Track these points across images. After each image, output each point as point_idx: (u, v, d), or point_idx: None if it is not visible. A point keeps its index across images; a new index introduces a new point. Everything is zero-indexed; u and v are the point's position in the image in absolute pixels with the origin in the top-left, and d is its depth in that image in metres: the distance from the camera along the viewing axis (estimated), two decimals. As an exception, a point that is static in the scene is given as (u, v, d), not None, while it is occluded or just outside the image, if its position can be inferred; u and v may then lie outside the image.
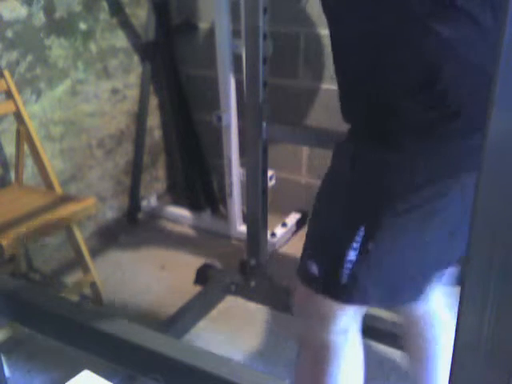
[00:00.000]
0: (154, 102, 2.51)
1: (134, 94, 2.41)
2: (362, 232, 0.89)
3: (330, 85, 2.23)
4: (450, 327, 1.13)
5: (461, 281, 0.47)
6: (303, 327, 1.06)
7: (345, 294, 0.94)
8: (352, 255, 0.90)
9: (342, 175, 0.98)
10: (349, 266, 0.90)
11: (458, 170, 0.86)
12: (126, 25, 2.29)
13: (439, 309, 1.18)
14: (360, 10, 0.87)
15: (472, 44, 0.82)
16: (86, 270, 1.87)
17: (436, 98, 0.86)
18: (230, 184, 2.22)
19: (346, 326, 1.01)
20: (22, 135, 1.81)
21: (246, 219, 1.90)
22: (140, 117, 2.43)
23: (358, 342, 1.06)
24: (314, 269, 0.96)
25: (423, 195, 0.88)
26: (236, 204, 2.26)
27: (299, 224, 2.39)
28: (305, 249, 1.01)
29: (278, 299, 1.88)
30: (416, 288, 0.97)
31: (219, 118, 2.09)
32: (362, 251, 0.90)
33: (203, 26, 2.39)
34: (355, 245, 0.90)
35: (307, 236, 1.02)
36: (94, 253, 2.13)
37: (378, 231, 0.89)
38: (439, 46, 0.83)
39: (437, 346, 1.18)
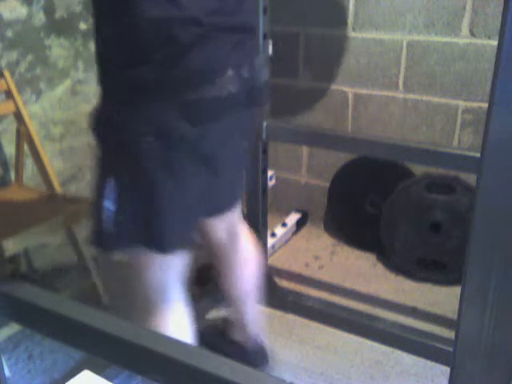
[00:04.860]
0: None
1: (133, 94, 2.41)
2: (111, 184, 1.02)
3: (330, 85, 2.23)
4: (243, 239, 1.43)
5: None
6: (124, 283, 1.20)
7: (109, 241, 1.06)
8: (109, 205, 1.02)
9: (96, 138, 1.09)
10: (108, 215, 1.03)
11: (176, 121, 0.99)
12: (126, 25, 2.29)
13: (231, 228, 1.39)
14: None
15: None
16: (85, 270, 1.87)
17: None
18: (230, 184, 2.21)
19: (158, 281, 1.14)
20: (22, 135, 1.81)
21: (246, 219, 1.90)
22: (140, 117, 2.43)
23: (179, 295, 1.19)
24: (91, 227, 1.09)
25: (153, 145, 0.99)
26: (236, 204, 2.26)
27: (299, 224, 2.39)
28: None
29: (277, 299, 1.88)
30: (181, 232, 1.12)
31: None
32: (116, 201, 1.02)
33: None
34: (109, 195, 1.02)
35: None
36: (94, 253, 2.13)
37: (127, 183, 1.02)
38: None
39: (237, 254, 1.42)
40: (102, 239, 1.08)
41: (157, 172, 1.03)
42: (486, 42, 1.89)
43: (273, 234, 2.24)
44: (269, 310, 1.87)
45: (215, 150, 1.10)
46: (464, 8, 1.89)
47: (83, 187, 2.26)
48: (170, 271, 1.16)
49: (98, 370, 1.10)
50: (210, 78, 1.00)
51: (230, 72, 1.01)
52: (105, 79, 1.05)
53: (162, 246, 1.11)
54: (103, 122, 1.04)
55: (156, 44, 0.96)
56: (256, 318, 1.55)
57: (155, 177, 1.03)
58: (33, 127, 1.82)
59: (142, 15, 0.94)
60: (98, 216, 1.05)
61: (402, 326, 1.75)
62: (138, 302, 1.18)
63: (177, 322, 1.19)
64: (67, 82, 2.09)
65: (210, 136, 1.06)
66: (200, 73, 0.99)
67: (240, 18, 1.05)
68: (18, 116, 1.80)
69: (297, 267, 2.13)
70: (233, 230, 1.40)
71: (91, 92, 2.20)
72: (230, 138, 1.15)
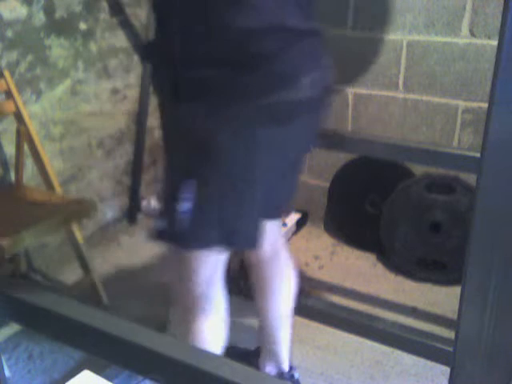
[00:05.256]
0: (154, 101, 2.51)
1: (133, 93, 2.41)
2: (191, 182, 1.01)
3: (329, 85, 2.23)
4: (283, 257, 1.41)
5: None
6: (172, 282, 1.20)
7: (184, 239, 1.06)
8: (185, 204, 1.01)
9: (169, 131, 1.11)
10: (183, 214, 1.01)
11: (249, 124, 1.00)
12: (125, 25, 2.29)
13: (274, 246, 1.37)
14: None
15: None
16: (85, 270, 1.87)
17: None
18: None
19: (209, 276, 1.15)
20: (22, 135, 1.81)
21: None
22: (140, 117, 2.43)
23: (221, 292, 1.21)
24: (160, 224, 1.08)
25: (233, 146, 1.00)
26: (236, 204, 2.26)
27: (299, 224, 2.39)
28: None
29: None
30: (250, 230, 1.10)
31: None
32: (195, 200, 1.01)
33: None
34: (187, 194, 1.01)
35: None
36: (94, 253, 2.13)
37: (205, 179, 1.01)
38: None
39: (277, 269, 1.41)
40: (178, 236, 1.07)
41: (237, 172, 1.04)
42: (485, 41, 1.89)
43: (273, 234, 2.24)
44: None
45: (288, 152, 1.11)
46: (464, 8, 1.89)
47: (83, 187, 2.26)
48: (218, 268, 1.17)
49: (98, 370, 1.10)
50: (289, 81, 1.01)
51: (307, 75, 1.02)
52: (183, 82, 1.04)
53: (245, 243, 1.12)
54: (183, 124, 1.05)
55: (239, 50, 0.97)
56: (287, 349, 1.48)
57: (235, 177, 1.04)
58: (33, 127, 1.82)
59: (225, 24, 0.95)
60: (173, 214, 1.04)
61: (402, 326, 1.75)
62: (183, 297, 1.19)
63: (215, 324, 1.19)
64: (67, 82, 2.09)
65: (284, 138, 1.06)
66: (280, 77, 0.99)
67: (313, 22, 1.08)
68: (18, 116, 1.80)
69: (297, 267, 2.13)
70: (276, 244, 1.38)
71: (91, 92, 2.21)
72: (301, 140, 1.15)
